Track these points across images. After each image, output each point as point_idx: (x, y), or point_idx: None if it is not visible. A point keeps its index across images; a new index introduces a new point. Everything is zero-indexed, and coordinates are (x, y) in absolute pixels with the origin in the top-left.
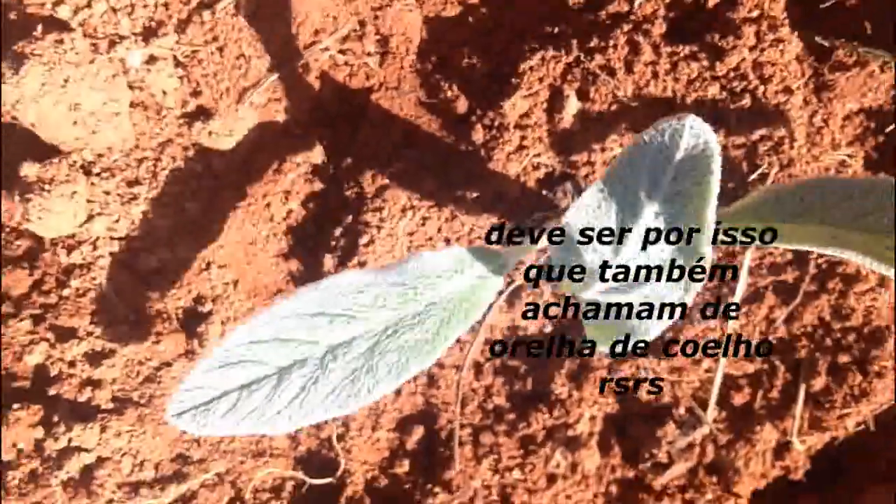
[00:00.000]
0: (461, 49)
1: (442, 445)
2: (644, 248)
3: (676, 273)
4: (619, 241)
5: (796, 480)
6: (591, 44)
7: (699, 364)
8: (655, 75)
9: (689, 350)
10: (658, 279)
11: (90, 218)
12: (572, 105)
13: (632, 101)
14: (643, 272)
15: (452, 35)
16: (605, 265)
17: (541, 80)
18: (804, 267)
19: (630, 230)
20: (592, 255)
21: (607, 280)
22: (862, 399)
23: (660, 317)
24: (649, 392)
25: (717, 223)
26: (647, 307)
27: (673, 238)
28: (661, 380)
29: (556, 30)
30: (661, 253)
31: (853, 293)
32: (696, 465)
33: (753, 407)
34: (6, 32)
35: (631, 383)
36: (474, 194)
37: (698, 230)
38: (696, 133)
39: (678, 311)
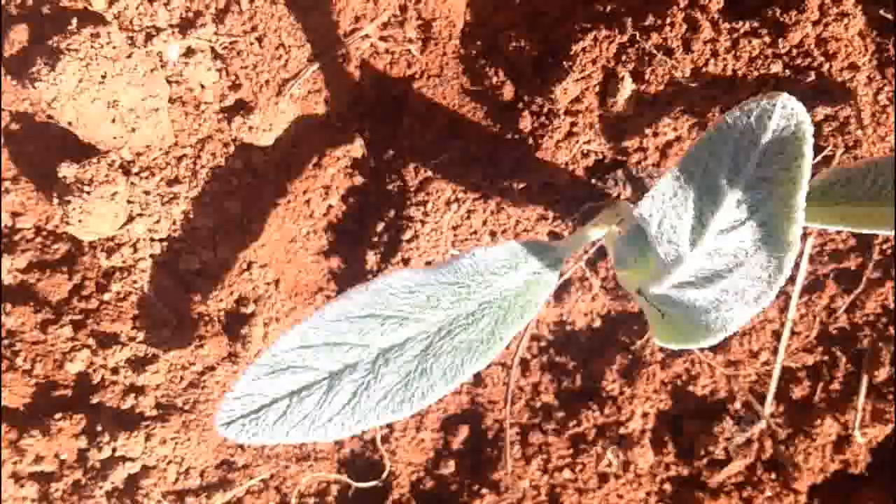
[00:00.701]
0: (507, 32)
1: (489, 445)
2: (724, 238)
3: (759, 265)
4: (698, 233)
5: (856, 475)
6: (647, 22)
7: (756, 357)
8: (715, 54)
9: (746, 342)
10: (738, 272)
11: (130, 219)
12: (627, 87)
13: (690, 81)
14: (722, 264)
15: (498, 17)
16: (678, 258)
17: (594, 61)
18: (868, 253)
19: (709, 221)
20: (668, 248)
21: (682, 274)
22: None
23: (740, 313)
24: (704, 387)
25: None
26: (724, 302)
27: (757, 227)
28: (717, 374)
29: (609, 8)
30: (741, 244)
31: None
32: (754, 461)
33: (813, 400)
34: (40, 28)
35: (685, 378)
36: (521, 185)
37: (786, 218)
38: (787, 113)
39: (762, 304)
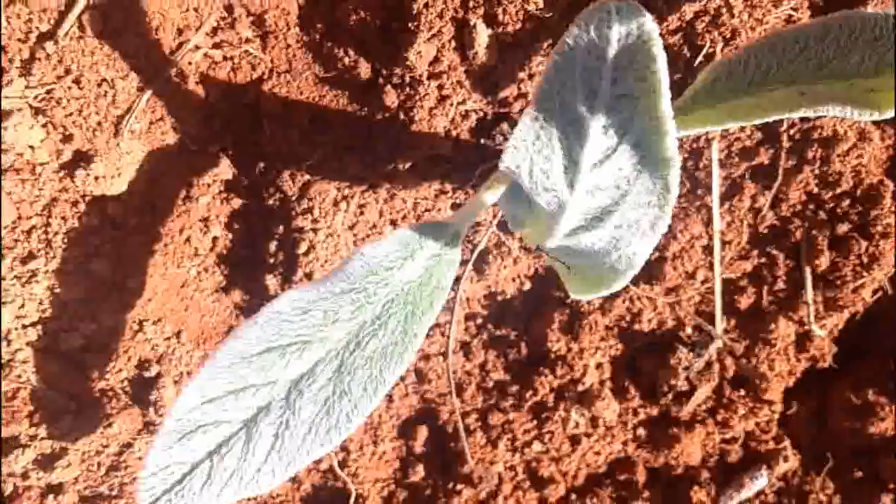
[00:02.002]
0: (345, 5)
1: (452, 440)
2: (601, 171)
3: (645, 189)
4: (573, 172)
5: (826, 368)
6: None
7: (694, 277)
8: None
9: (679, 265)
10: (625, 203)
11: None
12: (482, 34)
13: (546, 11)
14: (607, 199)
15: None
16: (561, 204)
17: (440, 15)
18: (777, 143)
19: (579, 156)
20: (547, 196)
21: (570, 221)
22: (872, 265)
23: (641, 245)
24: (650, 321)
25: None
26: (622, 239)
27: (631, 149)
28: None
29: None
30: (620, 172)
31: (836, 156)
32: (720, 382)
33: (762, 305)
34: None
35: (629, 318)
36: (407, 164)
37: (657, 132)
38: (626, 17)
39: (659, 231)
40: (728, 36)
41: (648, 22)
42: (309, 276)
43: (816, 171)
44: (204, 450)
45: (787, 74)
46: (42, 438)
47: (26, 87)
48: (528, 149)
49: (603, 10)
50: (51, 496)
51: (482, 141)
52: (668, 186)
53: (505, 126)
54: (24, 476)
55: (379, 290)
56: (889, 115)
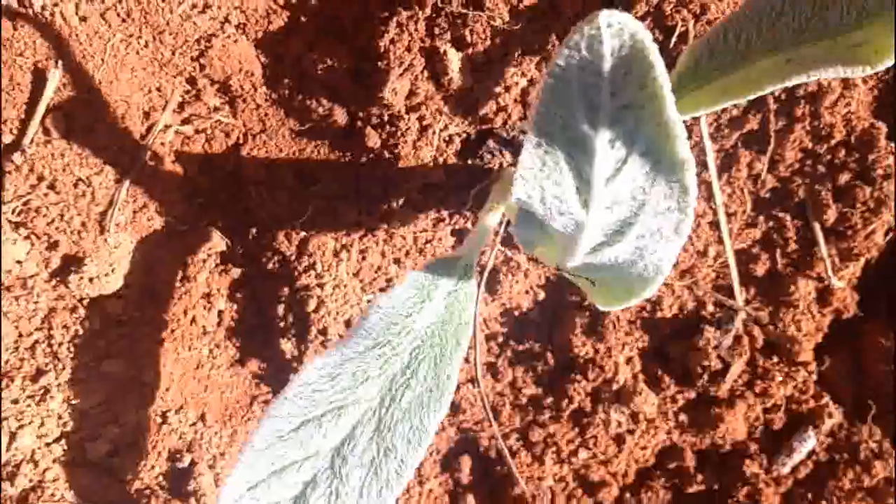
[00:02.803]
0: (310, 56)
1: (496, 464)
2: (614, 185)
3: (663, 195)
4: (586, 192)
5: (852, 317)
6: None
7: (706, 255)
8: None
9: (689, 246)
10: (645, 212)
11: (13, 436)
12: (454, 59)
13: (513, 24)
14: (626, 212)
15: (293, 45)
16: (578, 226)
17: (408, 48)
18: (763, 107)
19: (590, 175)
20: (563, 220)
21: (590, 240)
22: (880, 208)
23: (666, 251)
24: (671, 307)
25: None
26: (646, 248)
27: (641, 158)
28: (676, 290)
29: None
30: (635, 183)
31: (824, 109)
32: (751, 354)
33: (778, 269)
34: None
35: (650, 308)
36: (400, 200)
37: (666, 137)
38: (616, 31)
39: (684, 234)
40: (698, 11)
41: (641, 30)
42: (323, 331)
43: (808, 127)
44: None
45: (769, 42)
46: None
47: (1, 202)
48: (536, 176)
49: (592, 26)
50: None
51: (470, 162)
52: (685, 189)
53: (490, 143)
54: None
55: (403, 339)
56: (881, 67)
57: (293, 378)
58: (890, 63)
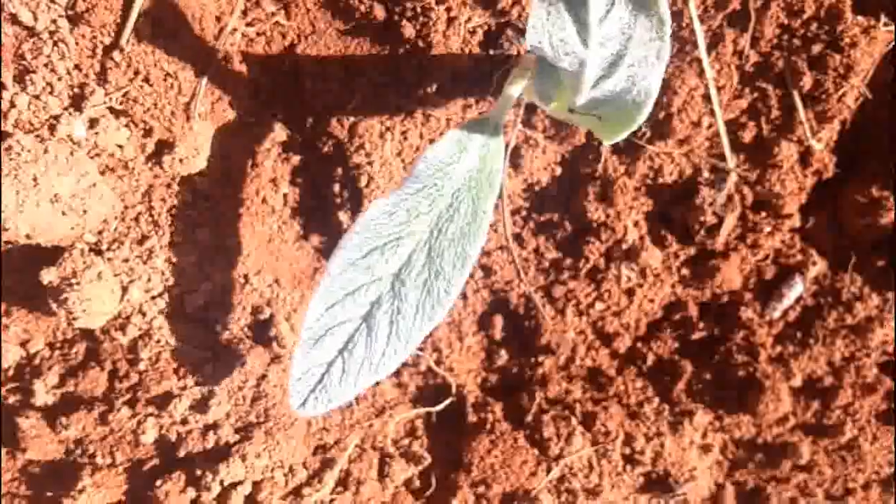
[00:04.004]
0: None
1: (525, 319)
2: (606, 24)
3: (644, 28)
4: (584, 33)
5: (832, 177)
6: None
7: (699, 125)
8: None
9: (685, 118)
10: (632, 44)
11: (125, 290)
12: None
13: None
14: (617, 45)
15: None
16: (581, 62)
17: None
18: None
19: (586, 18)
20: (569, 59)
21: (591, 73)
22: (849, 73)
23: (652, 74)
24: (671, 174)
25: None
26: (636, 75)
27: (624, 2)
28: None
29: None
30: (622, 20)
31: None
32: (743, 210)
33: (763, 134)
34: None
35: (652, 175)
36: (434, 86)
37: None
38: None
39: (664, 59)
40: None
41: None
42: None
43: (782, 4)
44: (335, 349)
45: None
46: (191, 387)
47: (105, 94)
48: (544, 25)
49: None
50: (209, 433)
51: (491, 52)
52: (661, 20)
53: (508, 32)
54: (184, 422)
55: (446, 182)
56: None
57: (359, 216)
58: None
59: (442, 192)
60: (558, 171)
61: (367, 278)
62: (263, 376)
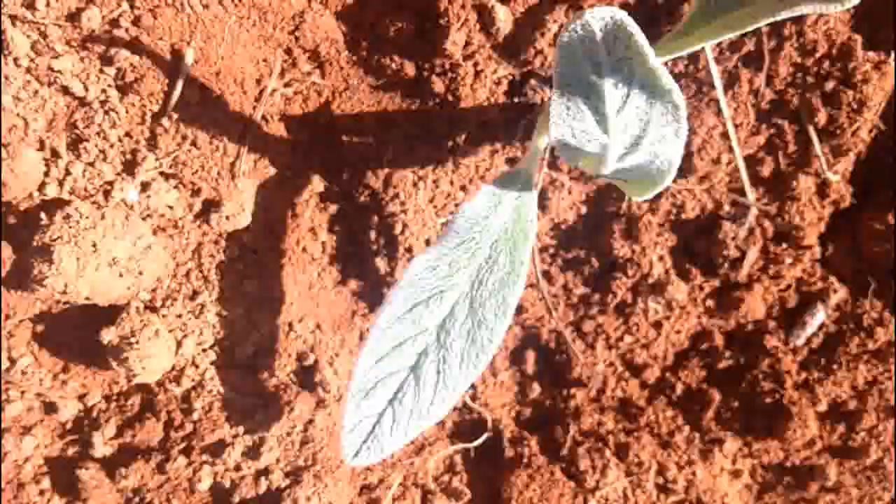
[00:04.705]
0: (382, 22)
1: (556, 354)
2: (624, 114)
3: (661, 113)
4: (604, 124)
5: (849, 207)
6: None
7: (719, 162)
8: None
9: (705, 155)
10: (651, 127)
11: (179, 344)
12: (500, 12)
13: None
14: (637, 130)
15: (367, 14)
16: (604, 147)
17: (463, 6)
18: (757, 30)
19: (604, 110)
20: (592, 146)
21: (615, 153)
22: (862, 108)
23: (673, 149)
24: (693, 209)
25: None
26: (657, 151)
27: (639, 91)
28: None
29: None
30: (638, 109)
31: (808, 27)
32: (764, 242)
33: (781, 169)
34: (17, 239)
35: (675, 211)
36: (463, 136)
37: (652, 77)
38: (601, 17)
39: (682, 136)
40: None
41: (618, 12)
42: (409, 249)
43: (795, 44)
44: (385, 399)
45: None
46: (242, 435)
47: (156, 159)
48: (565, 119)
49: (579, 24)
50: (261, 478)
51: (517, 100)
52: (676, 105)
53: (532, 81)
54: (237, 468)
55: (484, 236)
56: (849, 5)
57: (404, 273)
58: (855, 3)
59: (480, 244)
60: (584, 209)
61: (413, 331)
62: (310, 421)
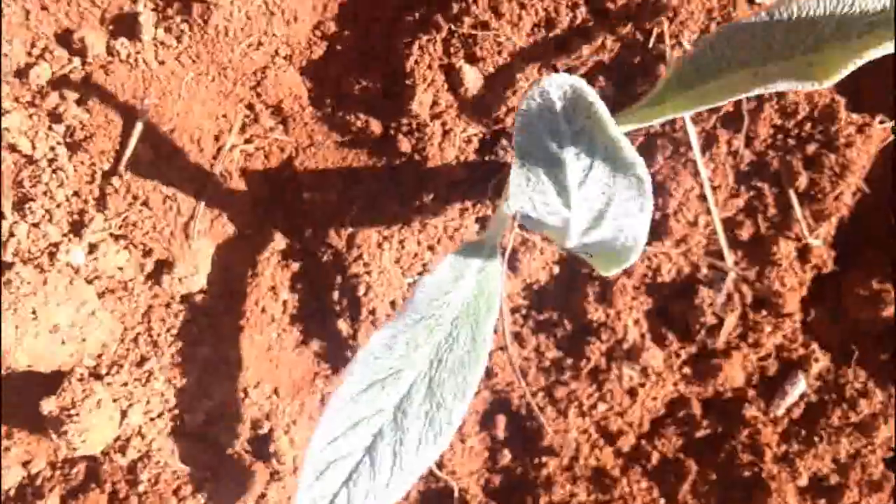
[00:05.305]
0: (347, 79)
1: (527, 420)
2: (586, 187)
3: (625, 187)
4: (565, 196)
5: (831, 272)
6: (454, 10)
7: (696, 224)
8: (522, 6)
9: (681, 218)
10: (615, 202)
11: (124, 414)
12: (468, 72)
13: (516, 39)
14: (600, 204)
15: (332, 70)
16: (566, 220)
17: (429, 66)
18: None
19: (566, 182)
20: (553, 219)
21: (578, 228)
22: (845, 173)
23: (638, 226)
24: (669, 272)
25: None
26: (622, 226)
27: (602, 163)
28: (671, 256)
29: (418, 15)
30: (601, 182)
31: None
32: (743, 309)
33: (761, 232)
34: None
35: (651, 274)
36: (430, 196)
37: (616, 147)
38: (559, 85)
39: (647, 211)
40: (671, 15)
41: (577, 80)
42: (373, 311)
43: (776, 106)
44: (339, 481)
45: (742, 59)
46: None
47: (105, 219)
48: (524, 191)
49: (539, 88)
50: None
51: (487, 158)
52: (640, 179)
53: (502, 140)
54: None
55: (444, 311)
56: (827, 85)
57: (359, 350)
58: (834, 82)
59: (440, 321)
60: (556, 269)
61: (368, 411)
62: (263, 495)
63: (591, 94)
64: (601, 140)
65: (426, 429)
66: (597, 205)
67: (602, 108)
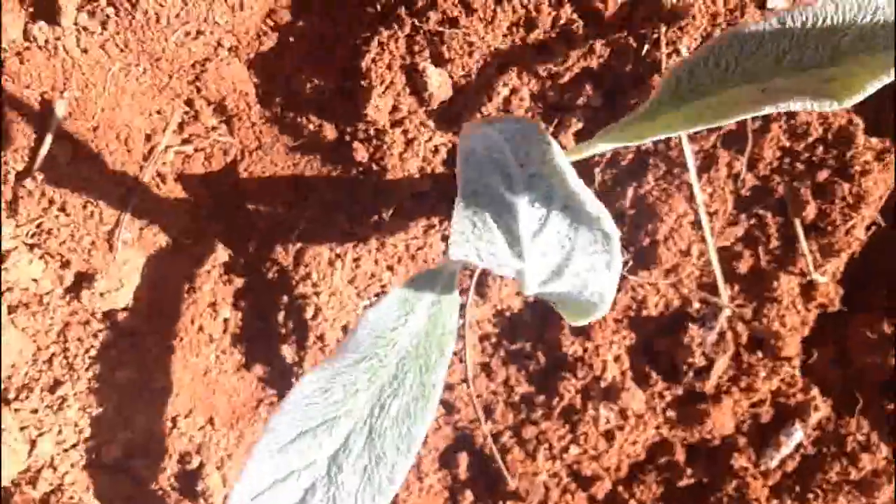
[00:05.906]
0: (299, 76)
1: (492, 460)
2: (542, 237)
3: (589, 241)
4: (517, 247)
5: (837, 311)
6: (419, 3)
7: (689, 254)
8: (498, 1)
9: (672, 245)
10: (575, 256)
11: (33, 443)
12: (433, 75)
13: (486, 36)
14: (559, 257)
15: (283, 65)
16: (520, 272)
17: (389, 66)
18: None
19: (518, 231)
20: (504, 270)
21: (534, 280)
22: (859, 204)
23: (605, 283)
24: (656, 305)
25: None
26: (585, 282)
27: (560, 212)
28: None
29: (379, 7)
30: (560, 233)
31: None
32: (736, 350)
33: (761, 266)
34: None
35: (635, 307)
36: (390, 210)
37: (576, 199)
38: (500, 129)
39: (616, 269)
40: (669, 19)
41: (527, 122)
42: (321, 337)
43: (784, 126)
44: None
45: (746, 71)
46: None
47: (16, 226)
48: (469, 238)
49: (479, 132)
50: None
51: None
52: (607, 235)
53: None
54: None
55: (389, 352)
56: (848, 104)
57: (289, 393)
58: (856, 101)
59: (384, 362)
60: (531, 296)
61: (299, 463)
62: None
63: (547, 138)
64: (560, 190)
65: (364, 486)
66: (555, 259)
67: (560, 157)
